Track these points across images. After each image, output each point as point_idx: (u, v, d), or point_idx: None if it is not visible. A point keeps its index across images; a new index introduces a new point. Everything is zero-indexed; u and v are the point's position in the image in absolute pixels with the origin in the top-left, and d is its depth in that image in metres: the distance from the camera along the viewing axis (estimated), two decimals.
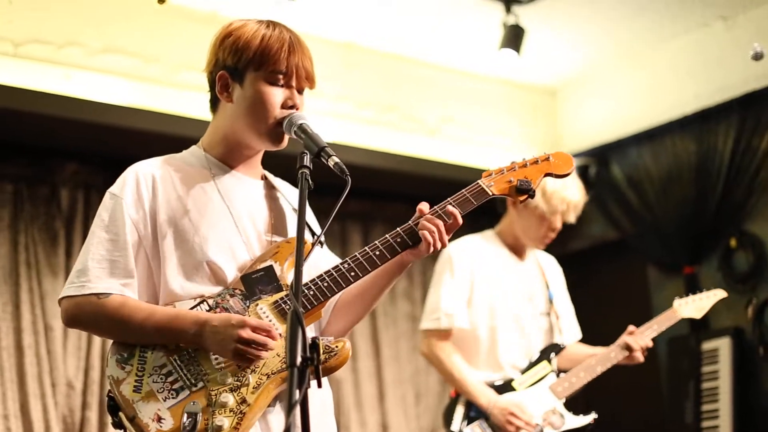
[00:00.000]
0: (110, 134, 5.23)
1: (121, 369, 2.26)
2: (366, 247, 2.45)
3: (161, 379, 2.25)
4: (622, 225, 6.96)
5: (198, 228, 2.40)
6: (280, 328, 2.32)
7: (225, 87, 2.50)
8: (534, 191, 2.60)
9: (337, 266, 2.40)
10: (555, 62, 6.89)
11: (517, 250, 4.30)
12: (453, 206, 2.48)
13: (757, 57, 3.88)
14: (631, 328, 4.15)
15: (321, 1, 5.61)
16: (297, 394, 1.75)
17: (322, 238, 2.44)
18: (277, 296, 2.39)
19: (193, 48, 5.38)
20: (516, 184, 2.59)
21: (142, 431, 2.19)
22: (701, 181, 6.39)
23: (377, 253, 2.43)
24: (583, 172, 7.25)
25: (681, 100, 6.50)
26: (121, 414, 2.23)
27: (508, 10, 5.86)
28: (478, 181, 2.59)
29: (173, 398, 2.22)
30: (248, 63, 2.45)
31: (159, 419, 2.20)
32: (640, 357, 4.10)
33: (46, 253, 5.38)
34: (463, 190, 2.55)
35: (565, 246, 6.43)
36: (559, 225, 4.21)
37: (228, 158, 2.55)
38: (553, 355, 4.13)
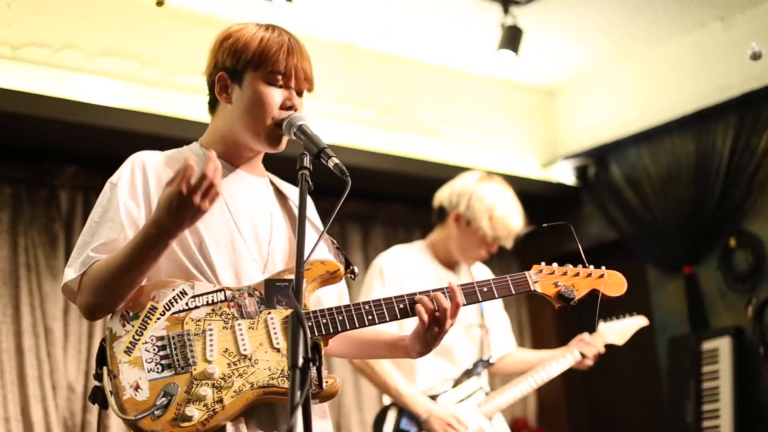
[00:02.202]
0: (108, 137, 5.22)
1: (122, 326, 2.26)
2: (392, 296, 2.45)
3: (153, 349, 2.25)
4: (621, 225, 6.96)
5: (195, 228, 2.38)
6: (281, 344, 2.31)
7: (224, 88, 2.50)
8: (575, 304, 2.59)
9: (357, 305, 2.41)
10: (553, 63, 6.90)
11: (449, 263, 4.25)
12: (487, 287, 2.50)
13: (755, 56, 3.88)
14: (583, 335, 4.18)
15: (320, 3, 5.61)
16: (299, 396, 1.74)
17: (356, 269, 2.49)
18: (290, 312, 2.37)
19: (191, 50, 5.39)
20: (561, 290, 2.59)
21: (117, 393, 2.19)
22: (700, 180, 6.39)
23: (401, 306, 2.44)
24: (582, 173, 7.26)
25: (679, 100, 6.51)
26: (105, 368, 2.23)
27: (506, 11, 5.87)
28: (526, 273, 2.60)
29: (157, 372, 2.22)
30: (247, 64, 2.45)
31: (137, 387, 2.20)
32: (590, 363, 4.15)
33: (45, 255, 5.38)
34: (508, 276, 2.56)
35: (564, 246, 6.42)
36: (495, 249, 4.21)
37: (229, 157, 2.54)
38: (482, 370, 4.10)
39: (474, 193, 4.12)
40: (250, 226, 2.48)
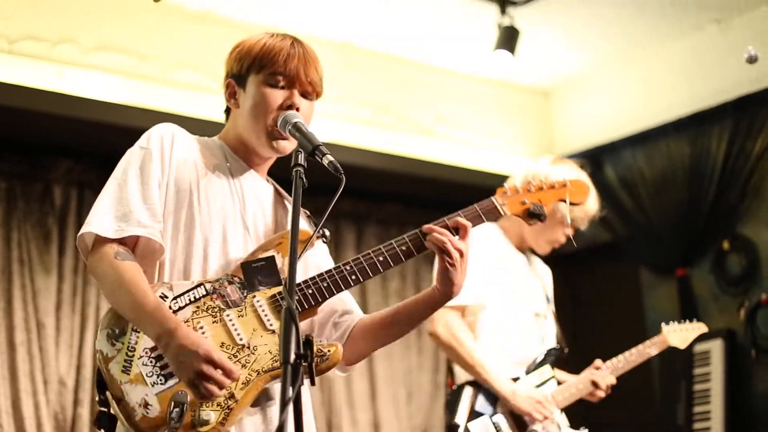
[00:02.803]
0: (104, 132, 5.22)
1: (111, 345, 2.23)
2: (370, 251, 2.42)
3: (151, 362, 2.21)
4: (615, 227, 6.96)
5: (201, 212, 2.40)
6: (274, 324, 2.31)
7: (232, 94, 2.54)
8: (545, 216, 2.58)
9: (339, 267, 2.39)
10: (549, 64, 6.90)
11: (521, 249, 4.19)
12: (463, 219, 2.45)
13: (751, 60, 3.87)
14: (597, 363, 4.08)
15: (317, 1, 5.61)
16: (290, 391, 1.74)
17: (327, 232, 2.45)
18: (275, 290, 2.35)
19: (187, 46, 5.38)
20: (529, 206, 2.57)
21: (128, 415, 2.16)
22: (694, 183, 6.40)
23: (380, 259, 2.40)
24: None
25: (675, 103, 6.51)
26: (108, 393, 2.20)
27: (502, 11, 5.87)
28: (492, 198, 2.56)
29: (162, 384, 2.19)
30: (249, 67, 2.48)
31: (146, 405, 2.17)
32: (602, 395, 4.04)
33: (39, 250, 5.37)
34: (476, 205, 2.52)
35: (558, 248, 6.43)
36: (570, 234, 4.17)
37: (244, 158, 2.56)
38: (554, 359, 4.00)
39: (551, 174, 4.05)
40: (254, 223, 2.49)
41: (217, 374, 2.13)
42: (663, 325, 4.30)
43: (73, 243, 5.51)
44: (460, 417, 3.76)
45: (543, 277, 4.30)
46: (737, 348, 6.01)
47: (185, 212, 2.39)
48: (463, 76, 6.90)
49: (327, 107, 5.94)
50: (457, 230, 2.42)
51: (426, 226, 2.43)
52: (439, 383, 6.85)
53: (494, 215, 2.54)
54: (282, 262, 2.39)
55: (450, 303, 3.83)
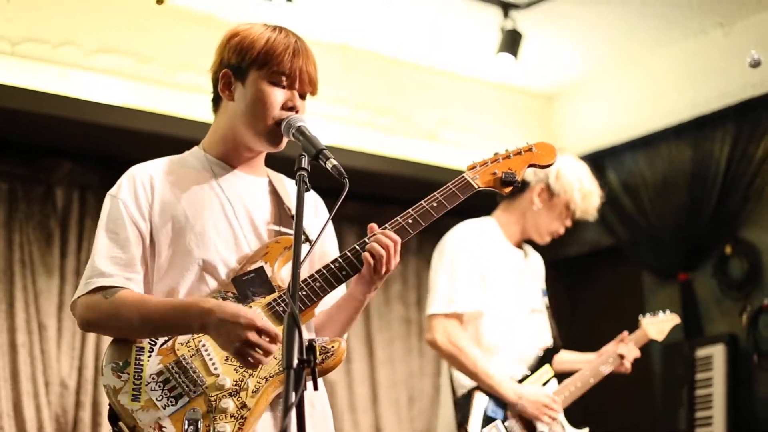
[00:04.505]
0: (106, 134, 5.22)
1: (117, 378, 2.24)
2: (355, 244, 2.43)
3: (159, 386, 2.23)
4: (617, 231, 6.95)
5: (193, 228, 2.41)
6: (276, 329, 2.31)
7: (227, 85, 2.51)
8: (519, 183, 2.62)
9: (328, 265, 2.39)
10: (552, 67, 6.89)
11: (516, 241, 4.16)
12: (436, 201, 2.48)
13: (755, 64, 3.87)
14: (624, 334, 4.15)
15: (319, 3, 5.61)
16: (293, 397, 1.73)
17: (312, 238, 2.45)
18: (269, 298, 2.38)
19: (189, 49, 5.39)
20: (501, 176, 2.60)
21: None
22: (697, 188, 6.39)
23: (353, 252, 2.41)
24: None
25: (677, 107, 6.50)
26: (121, 424, 2.21)
27: (505, 14, 5.86)
28: (463, 174, 2.59)
29: (173, 405, 2.20)
30: (252, 62, 2.46)
31: (160, 428, 2.18)
32: (629, 366, 4.11)
33: (40, 252, 5.37)
34: (449, 184, 2.54)
35: (560, 251, 6.43)
36: (571, 224, 4.20)
37: (229, 158, 2.55)
38: (553, 358, 4.02)
39: (561, 166, 4.09)
40: (251, 225, 2.49)
41: (264, 341, 2.16)
42: (641, 317, 4.32)
43: (75, 245, 5.54)
44: (474, 423, 3.74)
45: (538, 270, 4.29)
46: (739, 353, 5.99)
47: (180, 241, 2.40)
48: (465, 79, 6.89)
49: (328, 110, 5.94)
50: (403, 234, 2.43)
51: (372, 228, 2.44)
52: (440, 388, 6.83)
53: (468, 190, 2.55)
54: (271, 271, 2.41)
55: (446, 310, 3.89)
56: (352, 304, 2.52)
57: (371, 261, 2.36)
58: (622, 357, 4.09)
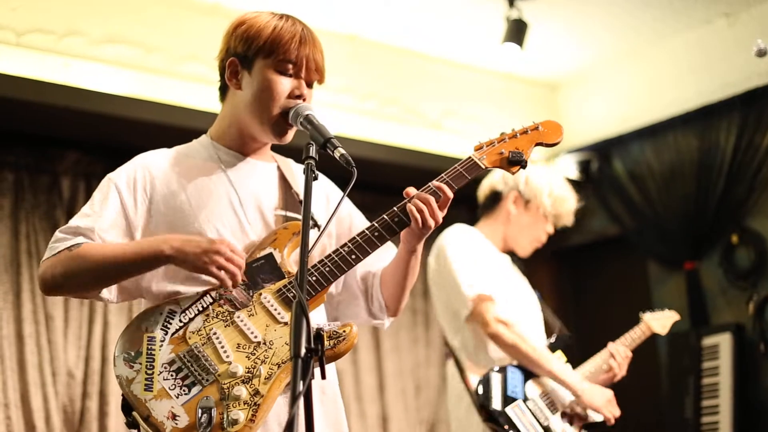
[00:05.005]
0: (111, 124, 5.22)
1: (130, 368, 2.24)
2: (365, 229, 2.44)
3: (171, 375, 2.23)
4: (623, 220, 6.96)
5: (198, 217, 2.41)
6: (285, 316, 2.32)
7: (234, 73, 2.51)
8: (526, 162, 2.59)
9: (338, 250, 2.40)
10: (558, 57, 6.88)
11: (502, 251, 4.21)
12: (443, 182, 2.48)
13: (760, 54, 3.86)
14: (610, 347, 4.12)
15: None
16: (301, 386, 1.73)
17: (321, 224, 2.48)
18: (279, 284, 2.38)
19: (194, 39, 5.38)
20: (508, 155, 2.58)
21: (157, 430, 2.17)
22: (703, 177, 6.39)
23: (376, 234, 2.42)
24: (584, 167, 7.25)
25: (683, 96, 6.50)
26: (134, 413, 2.21)
27: (511, 4, 5.85)
28: (470, 154, 2.58)
29: (186, 394, 2.20)
30: (258, 50, 2.45)
31: (174, 417, 2.18)
32: (622, 371, 4.10)
33: (47, 242, 5.28)
34: (456, 165, 2.53)
35: (566, 241, 6.43)
36: (552, 232, 4.22)
37: (236, 146, 2.56)
38: (563, 345, 4.05)
39: (530, 172, 4.12)
40: (259, 213, 2.50)
41: (223, 247, 2.25)
42: (642, 314, 4.31)
43: None
44: (496, 402, 3.77)
45: (525, 277, 4.32)
46: (746, 342, 6.00)
47: (184, 230, 2.41)
48: (470, 68, 6.89)
49: (334, 99, 5.93)
50: (437, 193, 2.45)
51: (408, 191, 2.47)
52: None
53: (475, 170, 2.55)
54: (281, 257, 2.41)
55: (481, 291, 3.82)
56: (405, 261, 2.58)
57: (417, 215, 2.39)
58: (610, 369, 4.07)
